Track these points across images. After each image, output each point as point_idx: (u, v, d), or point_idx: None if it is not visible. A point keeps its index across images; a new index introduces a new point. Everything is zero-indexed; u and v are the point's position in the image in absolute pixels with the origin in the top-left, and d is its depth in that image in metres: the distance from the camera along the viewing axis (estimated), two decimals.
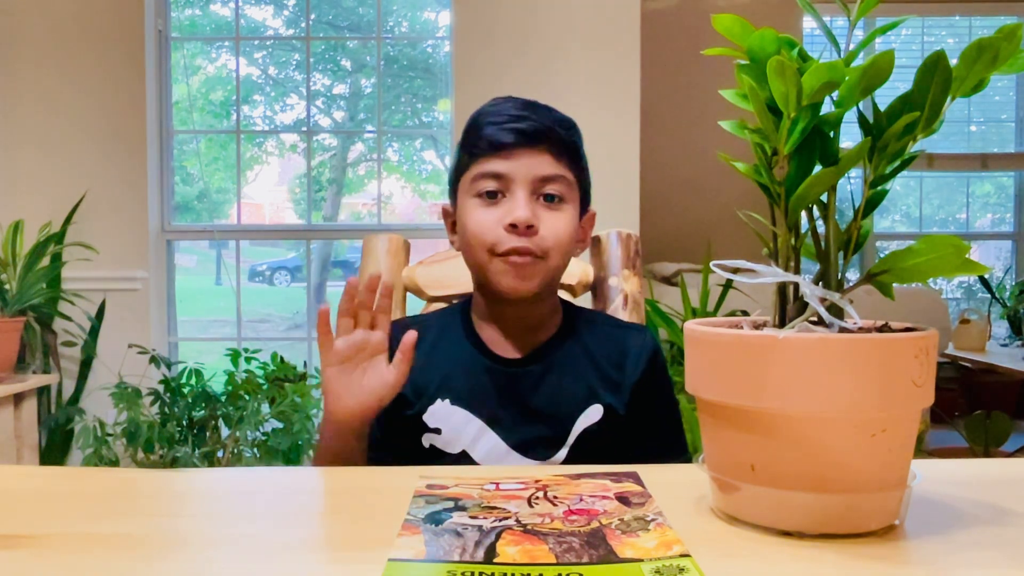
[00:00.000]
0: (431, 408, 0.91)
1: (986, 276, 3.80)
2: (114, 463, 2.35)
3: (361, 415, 0.82)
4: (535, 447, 0.90)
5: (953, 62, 0.51)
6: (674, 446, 0.96)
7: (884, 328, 0.55)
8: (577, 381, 0.93)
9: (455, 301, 1.07)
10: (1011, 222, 4.44)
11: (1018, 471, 0.72)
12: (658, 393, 0.96)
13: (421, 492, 0.62)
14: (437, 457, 0.90)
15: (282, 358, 2.59)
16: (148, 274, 2.80)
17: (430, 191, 4.44)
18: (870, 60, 0.51)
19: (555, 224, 0.89)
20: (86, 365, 2.70)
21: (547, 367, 0.93)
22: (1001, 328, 3.56)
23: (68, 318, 2.67)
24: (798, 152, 0.55)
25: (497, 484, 0.64)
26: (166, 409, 2.40)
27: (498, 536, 0.51)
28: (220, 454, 2.39)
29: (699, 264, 3.21)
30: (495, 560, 0.47)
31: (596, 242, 1.16)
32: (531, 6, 2.75)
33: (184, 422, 2.40)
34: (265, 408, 2.37)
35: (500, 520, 0.54)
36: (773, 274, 0.54)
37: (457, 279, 1.12)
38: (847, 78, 0.52)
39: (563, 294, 1.09)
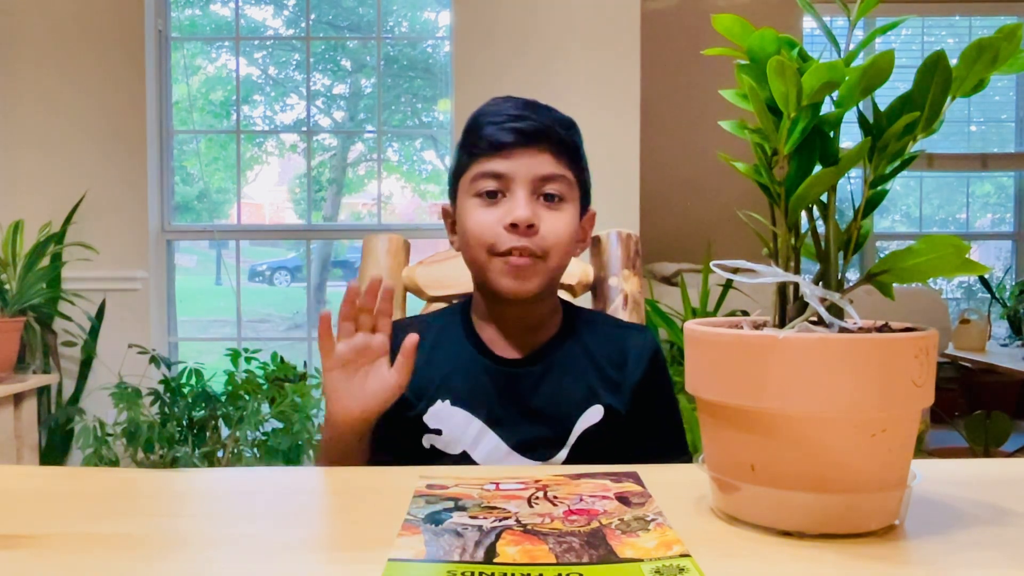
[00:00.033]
0: (431, 409, 0.91)
1: (986, 276, 3.80)
2: (114, 463, 2.35)
3: (364, 418, 0.82)
4: (536, 448, 0.90)
5: (953, 62, 0.51)
6: (674, 446, 0.96)
7: (884, 328, 0.56)
8: (577, 381, 0.93)
9: (455, 301, 1.07)
10: (1011, 222, 4.44)
11: (1018, 471, 0.72)
12: (658, 393, 0.96)
13: (421, 492, 0.62)
14: (437, 458, 0.90)
15: (282, 358, 2.59)
16: (148, 274, 2.80)
17: (430, 191, 4.44)
18: (870, 60, 0.51)
19: (555, 224, 0.89)
20: (86, 365, 2.70)
21: (547, 367, 0.93)
22: (1001, 328, 3.56)
23: (68, 318, 2.67)
24: (798, 152, 0.55)
25: (497, 484, 0.64)
26: (166, 409, 2.40)
27: (498, 536, 0.51)
28: (220, 454, 2.39)
29: (699, 264, 3.21)
30: (495, 560, 0.47)
31: (596, 242, 1.16)
32: (531, 6, 2.75)
33: (184, 422, 2.40)
34: (265, 408, 2.37)
35: (500, 520, 0.54)
36: (773, 274, 0.54)
37: (457, 279, 1.12)
38: (847, 78, 0.52)
39: (563, 294, 1.09)
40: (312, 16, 3.40)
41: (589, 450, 0.90)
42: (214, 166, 4.15)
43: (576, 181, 0.92)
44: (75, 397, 2.68)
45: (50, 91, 2.75)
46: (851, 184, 0.61)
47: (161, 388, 2.43)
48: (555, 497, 0.60)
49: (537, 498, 0.60)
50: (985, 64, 0.50)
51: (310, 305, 3.36)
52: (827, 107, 0.54)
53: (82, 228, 2.70)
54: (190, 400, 2.40)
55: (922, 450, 2.52)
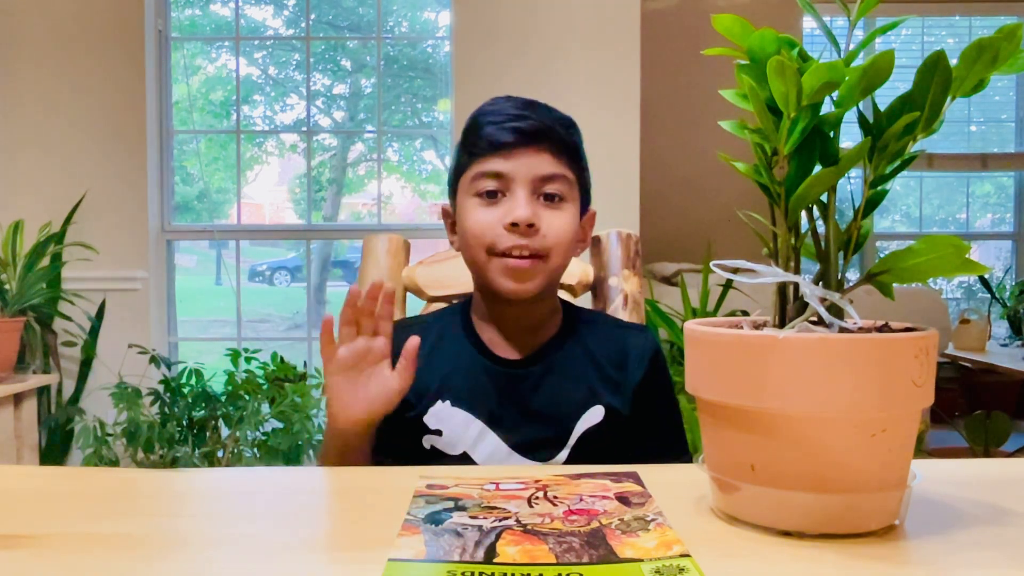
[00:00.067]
0: (432, 410, 0.91)
1: (986, 276, 3.80)
2: (114, 463, 2.35)
3: (366, 422, 0.82)
4: (536, 448, 0.90)
5: (953, 62, 0.51)
6: (674, 446, 0.96)
7: (884, 328, 0.56)
8: (578, 382, 0.93)
9: (455, 301, 1.07)
10: (1011, 222, 4.44)
11: (1018, 471, 0.72)
12: (659, 393, 0.96)
13: (421, 492, 0.62)
14: (438, 458, 0.90)
15: (282, 358, 2.59)
16: (148, 274, 2.80)
17: (430, 191, 4.44)
18: (870, 60, 0.51)
19: (556, 223, 0.89)
20: (86, 365, 2.70)
21: (547, 368, 0.93)
22: (1001, 328, 3.55)
23: (68, 318, 2.67)
24: (798, 152, 0.55)
25: (497, 484, 0.64)
26: (166, 409, 2.40)
27: (498, 536, 0.51)
28: (220, 454, 2.39)
29: (699, 264, 3.21)
30: (495, 560, 0.47)
31: (596, 242, 1.16)
32: (531, 6, 2.75)
33: (184, 422, 2.40)
34: (265, 408, 2.37)
35: (500, 520, 0.54)
36: (773, 274, 0.54)
37: (457, 279, 1.12)
38: (847, 78, 0.52)
39: (563, 294, 1.09)
40: (312, 16, 3.40)
41: (589, 451, 0.89)
42: (214, 166, 4.16)
43: (576, 181, 0.92)
44: (75, 397, 2.68)
45: (50, 91, 2.75)
46: (851, 184, 0.61)
47: (161, 388, 2.43)
48: (555, 497, 0.60)
49: (537, 498, 0.60)
50: (985, 64, 0.50)
51: (310, 305, 3.36)
52: (827, 107, 0.54)
53: (82, 228, 2.70)
54: (190, 400, 2.40)
55: (922, 450, 2.52)
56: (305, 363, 2.81)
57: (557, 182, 0.89)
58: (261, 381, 2.45)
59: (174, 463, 2.29)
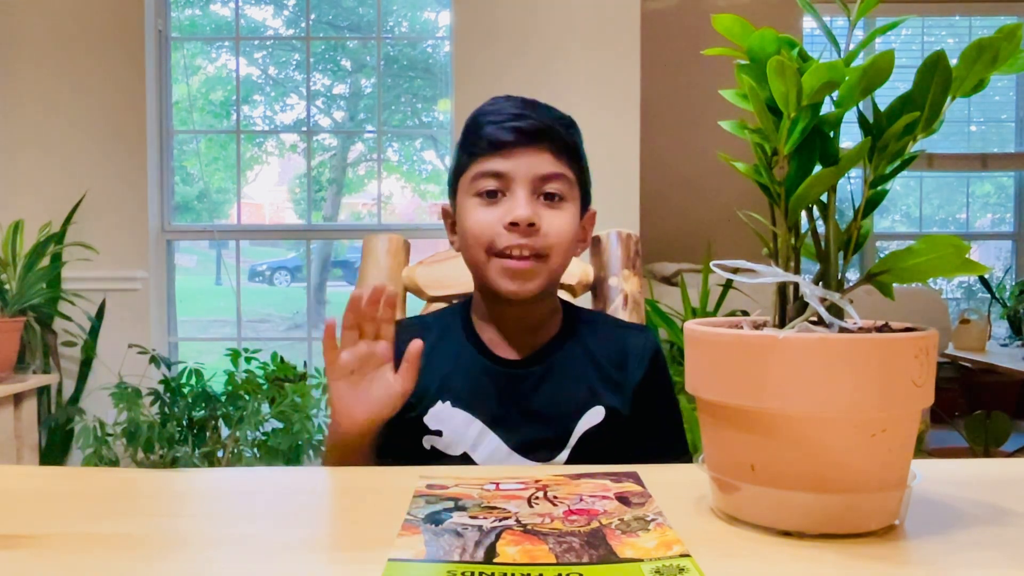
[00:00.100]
0: (432, 410, 0.91)
1: (986, 276, 3.80)
2: (114, 463, 2.35)
3: (370, 426, 0.82)
4: (536, 449, 0.90)
5: (953, 62, 0.51)
6: (674, 446, 0.96)
7: (884, 328, 0.55)
8: (578, 383, 0.93)
9: (455, 301, 1.07)
10: (1011, 222, 4.44)
11: (1018, 471, 0.72)
12: (659, 393, 0.96)
13: (421, 492, 0.62)
14: (438, 459, 0.90)
15: (282, 358, 2.59)
16: (148, 274, 2.80)
17: (430, 191, 4.44)
18: (870, 60, 0.51)
19: (556, 222, 0.89)
20: (86, 365, 2.70)
21: (548, 368, 0.93)
22: (1001, 328, 3.55)
23: (68, 318, 2.67)
24: (798, 152, 0.55)
25: (497, 484, 0.64)
26: (166, 409, 2.40)
27: (498, 536, 0.51)
28: (220, 454, 2.39)
29: (699, 264, 3.21)
30: (495, 560, 0.47)
31: (596, 242, 1.16)
32: (531, 6, 2.75)
33: (184, 422, 2.40)
34: (265, 408, 2.37)
35: (500, 520, 0.54)
36: (773, 274, 0.54)
37: (457, 279, 1.12)
38: (847, 78, 0.52)
39: (563, 294, 1.09)
40: (312, 16, 3.40)
41: (590, 451, 0.89)
42: (214, 166, 4.16)
43: (576, 180, 0.92)
44: (75, 397, 2.68)
45: (50, 91, 2.75)
46: (851, 184, 0.61)
47: (161, 388, 2.43)
48: (555, 497, 0.60)
49: (537, 498, 0.60)
50: (985, 64, 0.50)
51: (310, 305, 3.36)
52: (827, 107, 0.54)
53: (82, 228, 2.70)
54: (190, 400, 2.40)
55: (922, 450, 2.52)
56: (305, 363, 2.81)
57: (557, 181, 0.89)
58: (261, 381, 2.45)
59: (174, 463, 2.29)
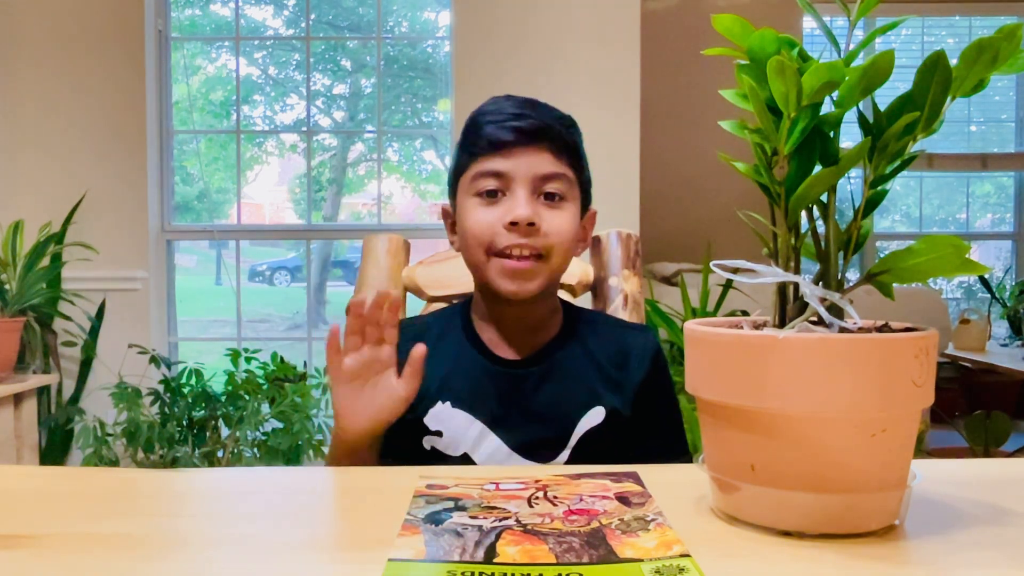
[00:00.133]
0: (432, 411, 0.91)
1: (986, 276, 3.80)
2: (114, 463, 2.35)
3: (373, 431, 0.82)
4: (537, 449, 0.90)
5: (953, 62, 0.51)
6: (675, 446, 0.96)
7: (884, 328, 0.55)
8: (578, 383, 0.92)
9: (455, 301, 1.07)
10: (1011, 222, 4.44)
11: (1018, 471, 0.72)
12: (660, 393, 0.96)
13: (421, 492, 0.62)
14: (438, 459, 0.90)
15: (282, 358, 2.59)
16: (148, 274, 2.80)
17: (430, 191, 4.45)
18: (870, 60, 0.51)
19: (556, 222, 0.89)
20: (86, 365, 2.71)
21: (548, 369, 0.93)
22: (1001, 328, 3.56)
23: (68, 318, 2.67)
24: (798, 152, 0.55)
25: (497, 484, 0.64)
26: (166, 409, 2.40)
27: (498, 536, 0.51)
28: (220, 454, 2.39)
29: (699, 264, 3.21)
30: (495, 560, 0.47)
31: (596, 242, 1.16)
32: (531, 6, 2.75)
33: (184, 422, 2.40)
34: (265, 408, 2.37)
35: (500, 520, 0.54)
36: (773, 274, 0.54)
37: (457, 279, 1.11)
38: (847, 78, 0.52)
39: (563, 294, 1.09)
40: (312, 16, 3.40)
41: (590, 451, 0.89)
42: (214, 166, 4.16)
43: (576, 180, 0.92)
44: (75, 397, 2.68)
45: (50, 91, 2.75)
46: (851, 184, 0.61)
47: (161, 388, 2.43)
48: (555, 497, 0.60)
49: (537, 498, 0.60)
50: (985, 64, 0.50)
51: (310, 305, 3.36)
52: (827, 107, 0.54)
53: (82, 228, 2.70)
54: (190, 400, 2.41)
55: (922, 450, 2.53)
56: (305, 363, 2.81)
57: (557, 181, 0.89)
58: (261, 381, 2.45)
59: (174, 463, 2.29)
